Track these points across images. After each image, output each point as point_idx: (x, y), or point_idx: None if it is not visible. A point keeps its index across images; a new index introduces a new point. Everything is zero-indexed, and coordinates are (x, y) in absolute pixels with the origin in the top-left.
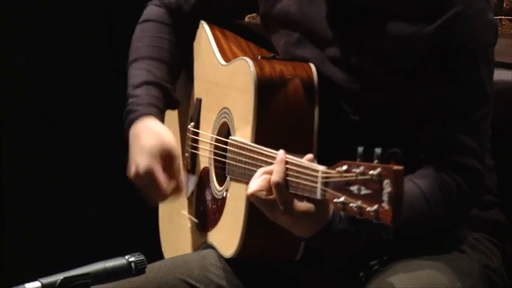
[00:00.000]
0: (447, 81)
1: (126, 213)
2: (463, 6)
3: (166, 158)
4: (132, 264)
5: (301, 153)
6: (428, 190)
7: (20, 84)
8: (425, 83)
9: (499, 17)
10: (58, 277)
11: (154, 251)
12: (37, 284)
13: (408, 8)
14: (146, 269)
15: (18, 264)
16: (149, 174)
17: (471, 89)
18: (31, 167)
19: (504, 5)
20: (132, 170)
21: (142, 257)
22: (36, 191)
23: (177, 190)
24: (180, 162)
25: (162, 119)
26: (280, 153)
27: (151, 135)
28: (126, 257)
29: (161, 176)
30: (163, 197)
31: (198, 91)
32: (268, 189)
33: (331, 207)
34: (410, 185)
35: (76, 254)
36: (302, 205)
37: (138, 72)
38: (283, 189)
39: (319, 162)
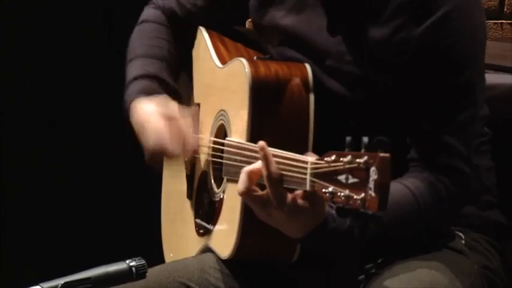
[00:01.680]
0: (434, 83)
1: (127, 217)
2: (450, 7)
3: (169, 119)
4: (133, 268)
5: (296, 153)
6: (417, 191)
7: (20, 84)
8: (414, 85)
9: (500, 21)
10: (59, 282)
11: (154, 255)
12: None
13: (398, 13)
14: (147, 274)
15: (18, 268)
16: (158, 152)
17: (458, 91)
18: (31, 169)
19: (505, 9)
20: (145, 156)
21: (143, 262)
22: (36, 194)
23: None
24: (184, 121)
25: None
26: (262, 145)
27: (145, 111)
28: (127, 262)
29: (171, 145)
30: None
31: (196, 96)
32: (257, 184)
33: (326, 207)
34: (400, 186)
35: (76, 258)
36: (297, 201)
37: (132, 70)
38: (278, 182)
39: None
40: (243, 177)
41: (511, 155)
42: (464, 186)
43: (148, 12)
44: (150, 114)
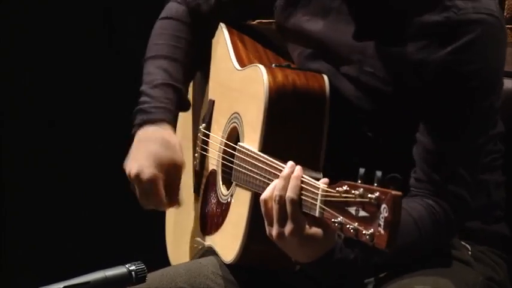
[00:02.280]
0: (452, 108)
1: (128, 220)
2: (478, 33)
3: (171, 172)
4: (133, 272)
5: (307, 165)
6: (419, 218)
7: (20, 84)
8: (431, 106)
9: None
10: (58, 286)
11: (155, 259)
12: None
13: (426, 32)
14: (147, 278)
15: (17, 269)
16: (152, 182)
17: (475, 118)
18: (31, 169)
19: (505, 14)
20: (133, 170)
21: (142, 266)
22: (35, 195)
23: (171, 205)
24: (181, 181)
25: (175, 123)
26: (298, 169)
27: (164, 145)
28: (127, 266)
29: (162, 189)
30: (156, 207)
31: (212, 93)
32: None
33: (335, 236)
34: (403, 212)
35: (76, 262)
36: (311, 229)
37: (155, 70)
38: (297, 206)
39: (326, 175)
40: (295, 184)
41: None
42: (462, 213)
43: (172, 7)
44: (160, 159)
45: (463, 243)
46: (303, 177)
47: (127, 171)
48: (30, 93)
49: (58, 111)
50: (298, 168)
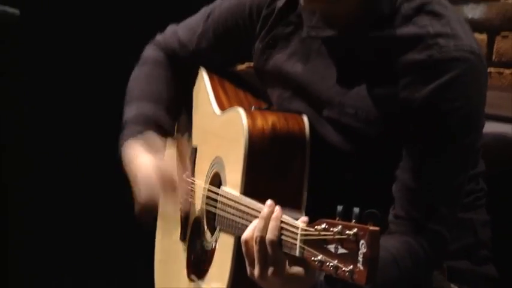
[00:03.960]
0: (434, 146)
1: (123, 248)
2: (459, 71)
3: (166, 182)
4: None
5: (289, 206)
6: (398, 255)
7: (21, 85)
8: (413, 145)
9: (488, 70)
10: None
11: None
12: None
13: (406, 71)
14: None
15: (15, 282)
16: (150, 203)
17: (455, 157)
18: (29, 179)
19: (493, 57)
20: (135, 207)
21: None
22: (32, 205)
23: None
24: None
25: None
26: (277, 210)
27: (142, 163)
28: None
29: (159, 194)
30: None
31: (194, 140)
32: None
33: (316, 273)
34: (382, 249)
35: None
36: (292, 268)
37: (131, 114)
38: (278, 247)
39: (308, 215)
40: (275, 224)
41: (504, 206)
42: (441, 250)
43: (149, 53)
44: (141, 164)
45: (452, 286)
46: (282, 217)
47: (139, 204)
48: (30, 93)
49: (60, 113)
50: (278, 208)
